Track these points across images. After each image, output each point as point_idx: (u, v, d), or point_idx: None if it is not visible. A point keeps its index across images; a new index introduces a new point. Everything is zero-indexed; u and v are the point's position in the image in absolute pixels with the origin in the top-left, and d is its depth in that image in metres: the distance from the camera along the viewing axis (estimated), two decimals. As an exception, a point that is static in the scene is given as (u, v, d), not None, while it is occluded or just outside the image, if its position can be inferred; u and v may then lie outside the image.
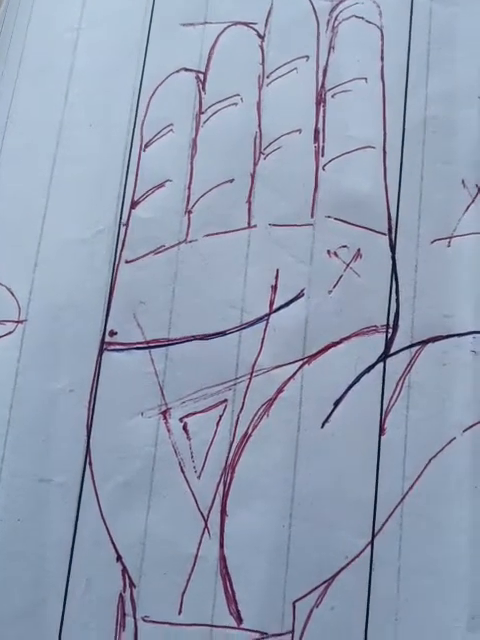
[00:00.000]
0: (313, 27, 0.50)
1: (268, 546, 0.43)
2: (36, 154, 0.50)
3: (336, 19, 0.50)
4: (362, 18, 0.50)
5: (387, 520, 0.42)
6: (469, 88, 0.48)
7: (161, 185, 0.48)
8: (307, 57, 0.50)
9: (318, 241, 0.46)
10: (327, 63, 0.49)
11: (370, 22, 0.50)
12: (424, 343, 0.44)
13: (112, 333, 0.46)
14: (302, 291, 0.46)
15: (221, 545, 0.43)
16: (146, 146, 0.49)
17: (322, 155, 0.48)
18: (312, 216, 0.47)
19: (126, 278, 0.47)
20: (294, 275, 0.46)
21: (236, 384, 0.45)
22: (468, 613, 0.41)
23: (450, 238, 0.46)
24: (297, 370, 0.45)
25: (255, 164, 0.48)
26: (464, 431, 0.43)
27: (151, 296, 0.47)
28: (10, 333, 0.47)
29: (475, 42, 0.49)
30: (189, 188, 0.48)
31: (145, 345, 0.46)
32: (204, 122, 0.49)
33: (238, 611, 0.42)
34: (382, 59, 0.49)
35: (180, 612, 0.42)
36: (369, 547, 0.42)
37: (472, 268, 0.45)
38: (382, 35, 0.49)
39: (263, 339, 0.45)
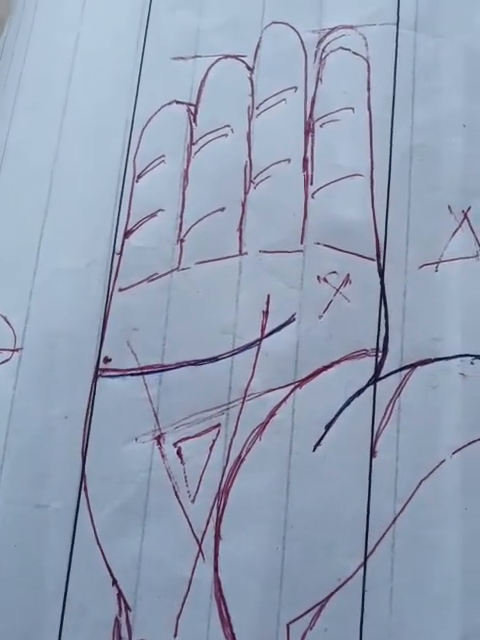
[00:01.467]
0: (301, 59, 0.50)
1: (262, 569, 0.42)
2: (31, 185, 0.50)
3: (323, 51, 0.50)
4: (349, 50, 0.50)
5: (379, 542, 0.42)
6: (454, 116, 0.48)
7: (154, 214, 0.48)
8: (295, 88, 0.50)
9: (308, 267, 0.46)
10: (315, 94, 0.49)
11: (356, 54, 0.50)
12: (413, 366, 0.44)
13: (106, 360, 0.46)
14: (293, 316, 0.45)
15: (215, 568, 0.42)
16: (139, 177, 0.49)
17: (311, 183, 0.48)
18: (302, 243, 0.47)
19: (120, 306, 0.47)
20: (285, 301, 0.46)
21: (229, 408, 0.44)
22: (461, 634, 0.40)
23: (438, 263, 0.45)
24: (289, 394, 0.44)
25: (245, 193, 0.48)
26: (453, 453, 0.42)
27: (144, 323, 0.46)
28: (6, 361, 0.47)
29: (459, 71, 0.49)
30: (181, 217, 0.48)
31: (139, 371, 0.46)
32: (195, 153, 0.49)
33: (233, 634, 0.41)
34: (369, 89, 0.49)
35: (175, 635, 0.42)
36: (362, 569, 0.41)
37: (459, 292, 0.45)
38: (368, 66, 0.49)
39: (255, 364, 0.45)
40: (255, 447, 0.44)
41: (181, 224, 0.48)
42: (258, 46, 0.51)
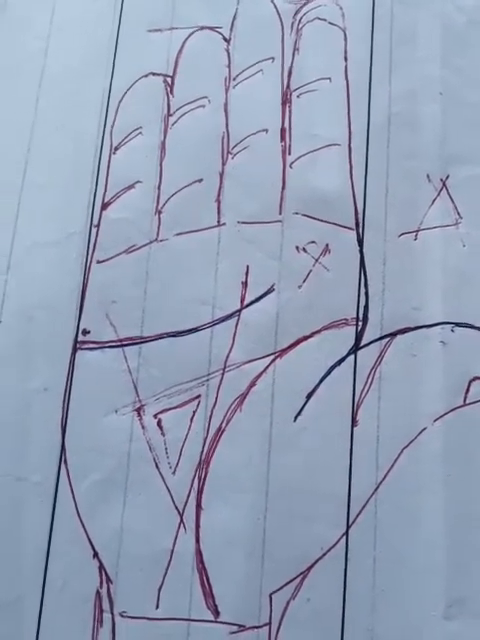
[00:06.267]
0: (277, 30, 0.48)
1: (244, 539, 0.40)
2: (8, 159, 0.48)
3: (300, 22, 0.48)
4: (325, 20, 0.48)
5: (361, 511, 0.40)
6: (431, 85, 0.46)
7: (131, 186, 0.47)
8: (272, 59, 0.48)
9: (287, 237, 0.45)
10: (292, 64, 0.48)
11: (333, 24, 0.48)
12: (394, 335, 0.43)
13: (85, 332, 0.44)
14: (272, 286, 0.44)
15: (197, 539, 0.41)
16: (116, 149, 0.47)
17: (289, 153, 0.46)
18: (280, 213, 0.45)
19: (98, 278, 0.45)
20: (264, 271, 0.44)
21: (209, 379, 0.43)
22: (444, 602, 0.39)
23: (417, 231, 0.44)
24: (269, 364, 0.43)
25: (223, 164, 0.46)
26: (435, 421, 0.41)
27: (123, 295, 0.45)
28: (-16, 335, 0.45)
29: (435, 40, 0.47)
30: (159, 189, 0.46)
31: (118, 343, 0.44)
32: (172, 124, 0.47)
33: (215, 605, 0.40)
34: (346, 59, 0.47)
35: (157, 607, 0.40)
36: (344, 538, 0.40)
37: (439, 260, 0.43)
38: (345, 36, 0.48)
39: (235, 334, 0.43)
40: (235, 418, 0.42)
41: (159, 196, 0.46)
42: (234, 17, 0.49)
